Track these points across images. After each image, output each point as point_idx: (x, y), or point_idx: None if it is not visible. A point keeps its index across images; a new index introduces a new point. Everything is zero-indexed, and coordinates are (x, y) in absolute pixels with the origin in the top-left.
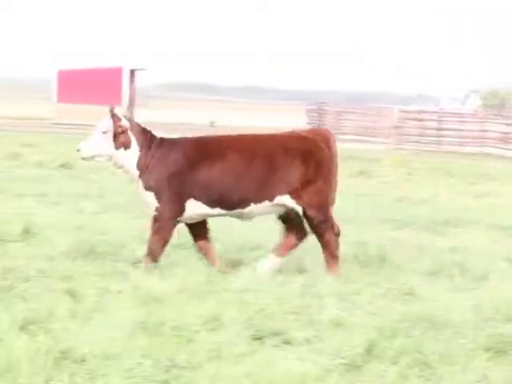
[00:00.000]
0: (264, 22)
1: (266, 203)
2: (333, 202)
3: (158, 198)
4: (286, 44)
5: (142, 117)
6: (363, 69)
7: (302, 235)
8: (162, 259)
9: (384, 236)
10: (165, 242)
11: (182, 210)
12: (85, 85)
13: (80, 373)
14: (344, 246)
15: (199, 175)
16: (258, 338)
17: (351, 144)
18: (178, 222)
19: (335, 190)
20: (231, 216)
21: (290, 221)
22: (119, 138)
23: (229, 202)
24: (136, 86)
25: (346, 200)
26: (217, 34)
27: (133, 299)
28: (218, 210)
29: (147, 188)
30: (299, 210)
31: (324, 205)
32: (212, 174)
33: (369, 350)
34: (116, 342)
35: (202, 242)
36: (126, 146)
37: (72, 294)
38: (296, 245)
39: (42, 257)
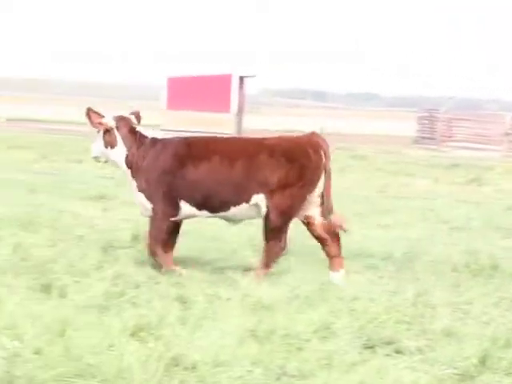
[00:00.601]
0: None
1: (244, 205)
2: (330, 209)
3: (149, 198)
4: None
5: (251, 124)
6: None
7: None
8: (273, 266)
9: (496, 244)
10: (158, 242)
11: (176, 208)
12: (194, 92)
13: (191, 380)
14: (455, 255)
15: (185, 176)
16: (370, 347)
17: (463, 151)
18: (175, 220)
19: (329, 196)
20: (220, 218)
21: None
22: (105, 137)
23: (212, 204)
24: (245, 92)
25: (457, 208)
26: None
27: (243, 306)
28: (204, 213)
29: (139, 189)
30: (264, 211)
31: (289, 212)
32: (196, 175)
33: (482, 361)
34: (226, 349)
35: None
36: (112, 144)
37: (182, 300)
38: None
39: (152, 263)
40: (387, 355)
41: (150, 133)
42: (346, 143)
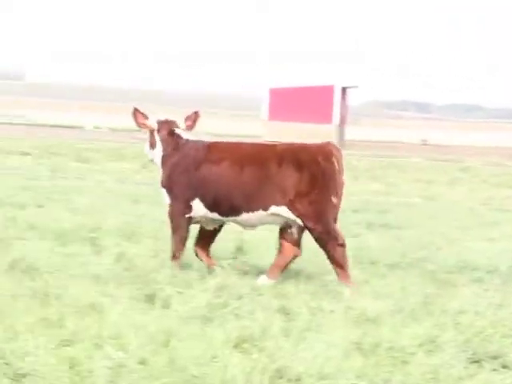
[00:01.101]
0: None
1: (261, 212)
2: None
3: (169, 195)
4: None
5: (353, 135)
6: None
7: (296, 252)
8: (376, 279)
9: None
10: (181, 239)
11: (188, 207)
12: (296, 103)
13: None
14: None
15: (200, 177)
16: (476, 361)
17: None
18: (192, 219)
19: (338, 206)
20: (234, 222)
21: (287, 235)
22: (149, 139)
23: (223, 207)
24: (347, 103)
25: None
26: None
27: (346, 319)
28: (215, 215)
29: (162, 185)
30: (298, 221)
31: (321, 216)
32: (209, 177)
33: None
34: (330, 361)
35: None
36: (153, 146)
37: (285, 312)
38: (290, 262)
39: (255, 274)
40: (494, 370)
41: (187, 136)
42: (453, 155)
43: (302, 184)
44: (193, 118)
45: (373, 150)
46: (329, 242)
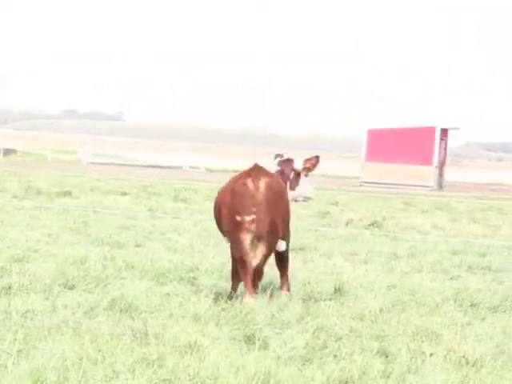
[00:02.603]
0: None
1: None
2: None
3: None
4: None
5: (453, 177)
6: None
7: None
8: (477, 322)
9: None
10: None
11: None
12: (395, 144)
13: None
14: None
15: None
16: None
17: None
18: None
19: (258, 223)
20: None
21: None
22: None
23: None
24: (447, 145)
25: None
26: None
27: (447, 362)
28: None
29: None
30: None
31: (231, 232)
32: None
33: None
34: None
35: None
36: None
37: (384, 354)
38: None
39: (353, 316)
40: None
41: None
42: None
43: (229, 205)
44: (313, 162)
45: (473, 192)
46: (234, 254)
